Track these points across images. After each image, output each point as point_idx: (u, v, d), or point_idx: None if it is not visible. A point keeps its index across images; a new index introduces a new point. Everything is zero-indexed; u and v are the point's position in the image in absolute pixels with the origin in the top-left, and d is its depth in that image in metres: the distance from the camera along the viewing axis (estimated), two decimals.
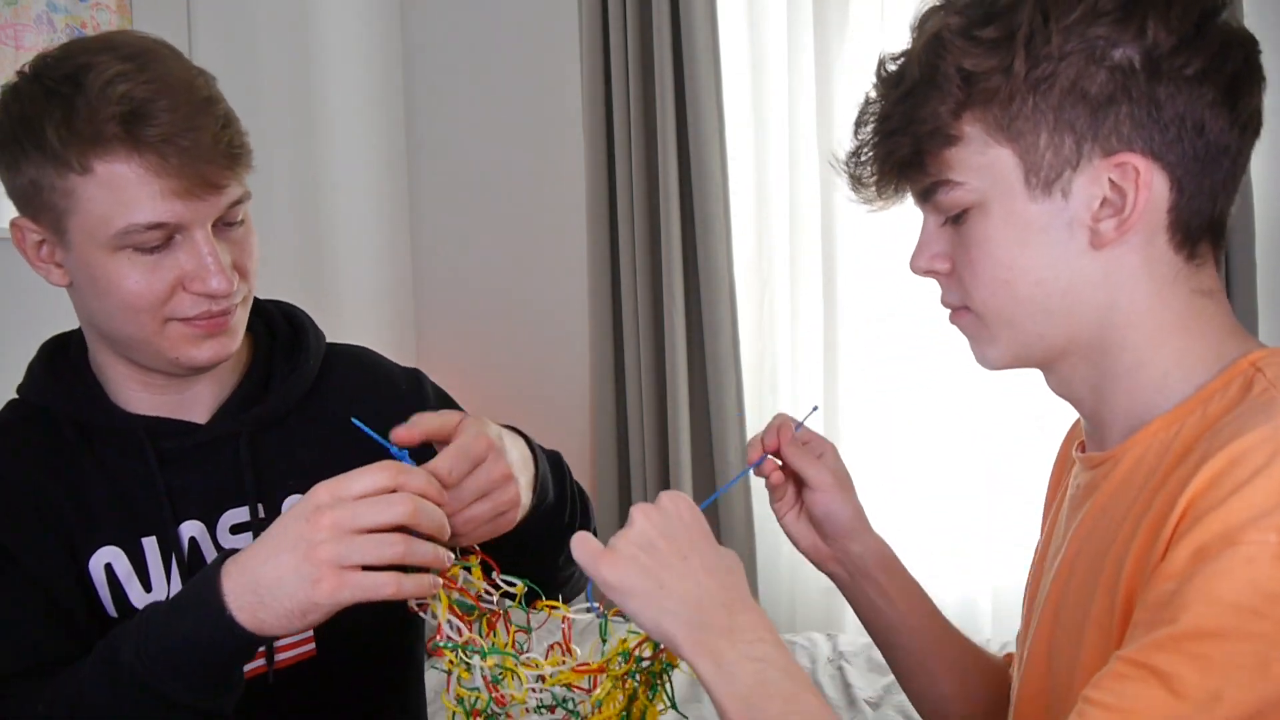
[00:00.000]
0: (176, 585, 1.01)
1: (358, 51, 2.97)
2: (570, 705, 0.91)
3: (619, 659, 0.89)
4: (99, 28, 2.07)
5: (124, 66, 0.92)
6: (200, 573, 0.88)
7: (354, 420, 0.95)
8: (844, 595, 1.06)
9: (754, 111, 2.83)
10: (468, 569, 0.95)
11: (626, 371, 2.89)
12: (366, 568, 0.84)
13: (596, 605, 0.90)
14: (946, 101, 0.80)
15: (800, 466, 1.02)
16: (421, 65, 3.13)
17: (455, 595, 0.92)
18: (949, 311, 0.89)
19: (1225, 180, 0.79)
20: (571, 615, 0.96)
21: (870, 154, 0.85)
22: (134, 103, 0.90)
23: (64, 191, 0.93)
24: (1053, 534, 0.93)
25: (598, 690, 0.88)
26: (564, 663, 0.91)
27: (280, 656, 1.05)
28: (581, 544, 0.82)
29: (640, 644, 0.89)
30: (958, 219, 0.83)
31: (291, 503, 1.06)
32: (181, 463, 1.04)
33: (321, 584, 0.82)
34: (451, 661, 0.90)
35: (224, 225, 0.98)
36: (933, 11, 0.82)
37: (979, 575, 2.72)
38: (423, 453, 0.94)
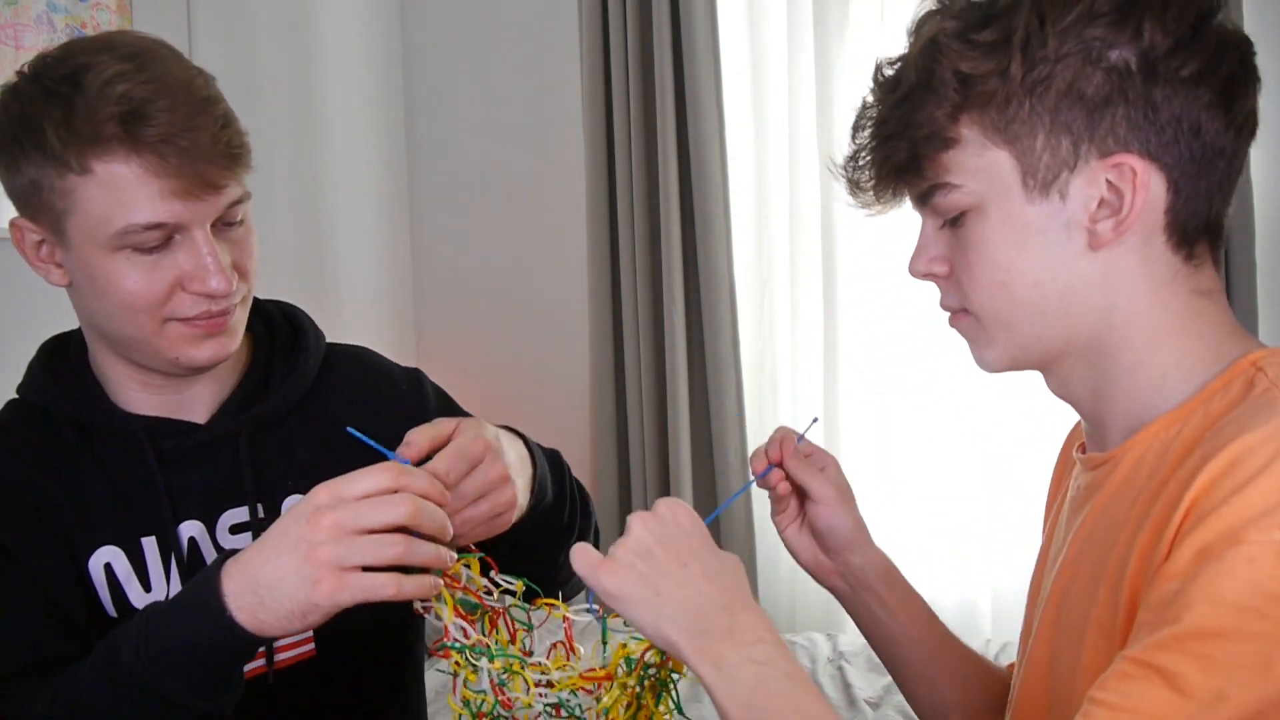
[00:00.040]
0: (176, 585, 1.01)
1: (358, 51, 2.97)
2: (577, 713, 0.91)
3: (622, 663, 0.89)
4: (99, 28, 2.07)
5: (123, 66, 0.91)
6: (200, 573, 0.88)
7: (349, 429, 0.95)
8: (845, 608, 1.06)
9: (754, 111, 2.84)
10: (466, 567, 0.95)
11: (626, 371, 2.89)
12: (368, 569, 0.84)
13: (595, 607, 0.90)
14: (943, 105, 0.80)
15: (803, 479, 1.02)
16: (421, 65, 3.13)
17: (459, 595, 0.92)
18: (948, 314, 0.89)
19: (1222, 181, 0.80)
20: (571, 615, 0.96)
21: (868, 158, 0.86)
22: (133, 103, 0.90)
23: (63, 191, 0.93)
24: (1054, 536, 0.93)
25: (605, 699, 0.89)
26: (568, 663, 0.91)
27: (280, 657, 1.05)
28: (581, 555, 0.82)
29: (646, 652, 0.89)
30: (955, 222, 0.83)
31: (291, 503, 1.06)
32: (181, 463, 1.04)
33: (321, 585, 0.82)
34: (458, 663, 0.90)
35: (223, 225, 0.98)
36: (929, 16, 0.83)
37: (979, 576, 2.72)
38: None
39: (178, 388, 1.05)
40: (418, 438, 0.94)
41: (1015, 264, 0.81)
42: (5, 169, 0.96)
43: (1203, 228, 0.80)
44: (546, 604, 0.96)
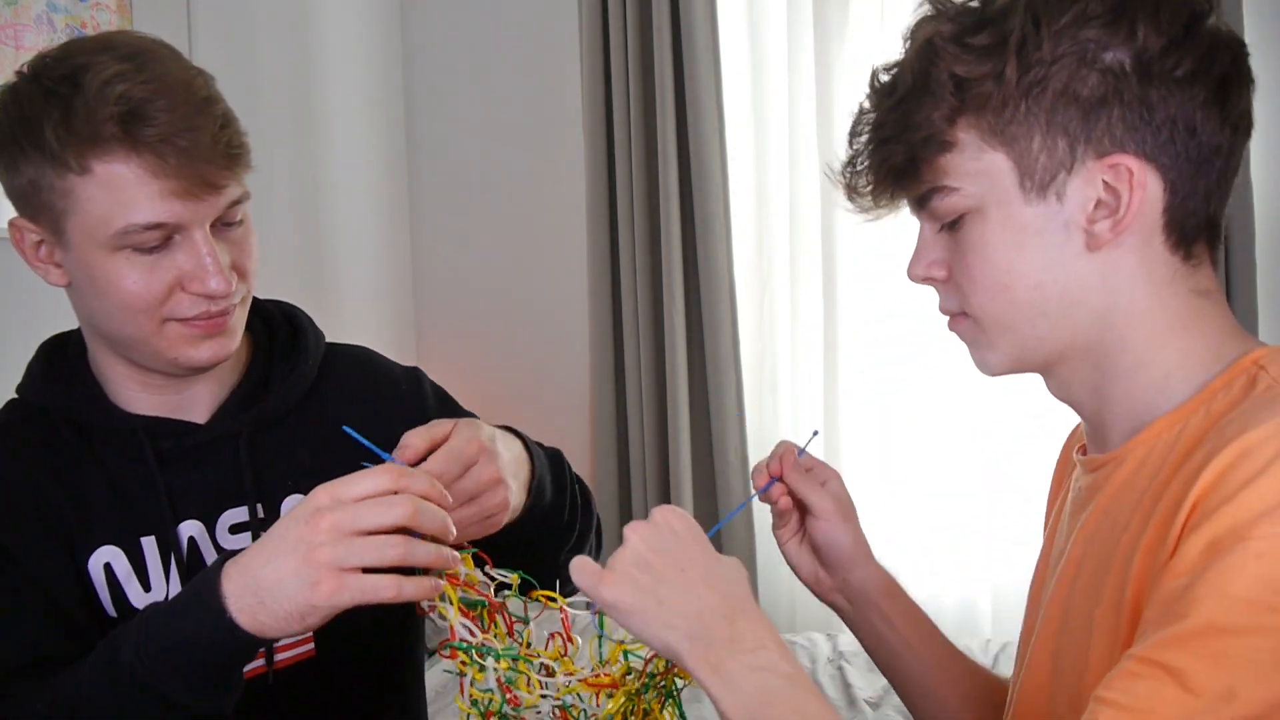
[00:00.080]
0: (176, 585, 1.01)
1: (358, 51, 2.97)
2: (584, 717, 0.91)
3: (621, 661, 0.89)
4: (99, 28, 2.07)
5: (122, 66, 0.91)
6: (200, 574, 0.88)
7: (345, 429, 0.95)
8: (846, 624, 1.06)
9: (754, 112, 2.84)
10: (461, 564, 0.95)
11: (626, 371, 2.89)
12: (369, 570, 0.84)
13: (593, 606, 0.90)
14: (940, 108, 0.80)
15: (804, 493, 1.02)
16: (421, 65, 3.14)
17: (462, 594, 0.92)
18: (947, 318, 0.89)
19: (1218, 181, 0.80)
20: (570, 610, 0.96)
21: (865, 163, 0.86)
22: (132, 103, 0.90)
23: (62, 192, 0.93)
24: (1055, 538, 0.93)
25: (609, 705, 0.89)
26: (566, 656, 0.91)
27: (280, 657, 1.05)
28: (581, 570, 0.82)
29: (651, 659, 0.89)
30: (954, 225, 0.83)
31: (291, 503, 1.07)
32: (181, 463, 1.04)
33: (320, 586, 0.82)
34: (464, 663, 0.90)
35: (223, 225, 0.98)
36: (925, 20, 0.83)
37: (979, 574, 2.72)
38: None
39: (177, 388, 1.05)
40: (414, 440, 0.94)
41: (1015, 266, 0.81)
42: (5, 169, 0.96)
43: (1201, 227, 0.80)
44: (544, 596, 0.96)
